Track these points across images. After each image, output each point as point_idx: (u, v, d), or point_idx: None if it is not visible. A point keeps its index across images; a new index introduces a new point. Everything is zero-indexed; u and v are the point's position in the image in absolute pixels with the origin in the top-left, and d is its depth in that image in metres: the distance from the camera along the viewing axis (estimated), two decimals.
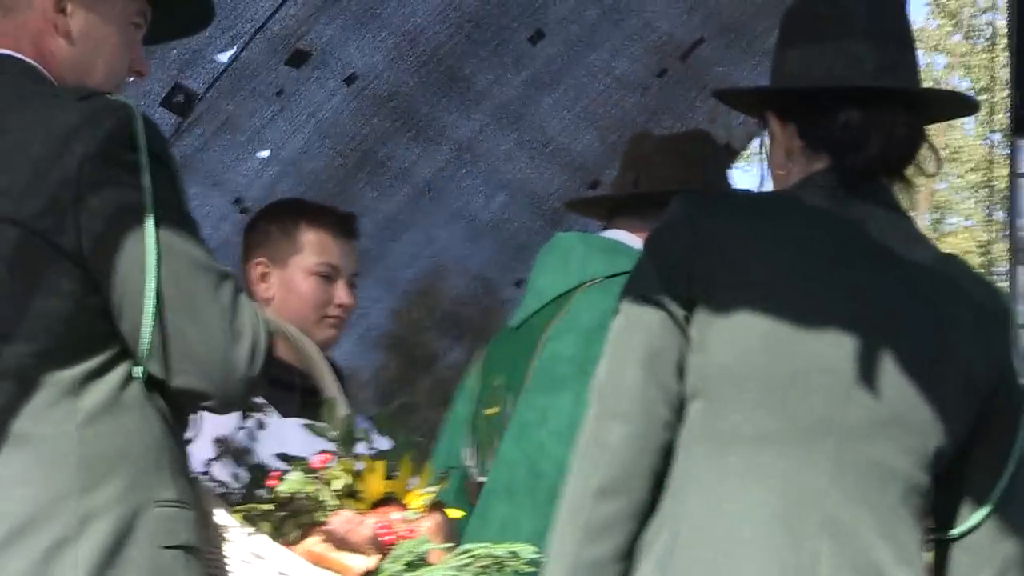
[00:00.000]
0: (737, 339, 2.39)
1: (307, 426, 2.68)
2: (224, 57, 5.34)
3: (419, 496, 2.62)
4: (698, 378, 2.38)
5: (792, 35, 2.52)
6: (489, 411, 3.41)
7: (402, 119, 6.07)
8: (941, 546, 2.46)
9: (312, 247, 3.37)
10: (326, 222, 3.40)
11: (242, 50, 5.33)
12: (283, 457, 2.63)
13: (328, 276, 3.35)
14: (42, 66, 2.43)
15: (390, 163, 6.19)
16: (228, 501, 2.59)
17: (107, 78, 2.52)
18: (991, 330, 2.44)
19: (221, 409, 2.47)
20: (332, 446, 2.62)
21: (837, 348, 2.36)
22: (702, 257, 2.42)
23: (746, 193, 2.75)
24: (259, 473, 2.64)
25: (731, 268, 2.43)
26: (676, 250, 2.44)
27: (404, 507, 2.61)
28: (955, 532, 2.44)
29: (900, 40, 2.50)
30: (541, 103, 6.62)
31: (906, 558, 2.34)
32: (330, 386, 2.77)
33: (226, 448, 2.68)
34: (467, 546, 2.57)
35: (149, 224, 2.31)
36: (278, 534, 2.56)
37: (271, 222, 3.46)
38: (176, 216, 2.37)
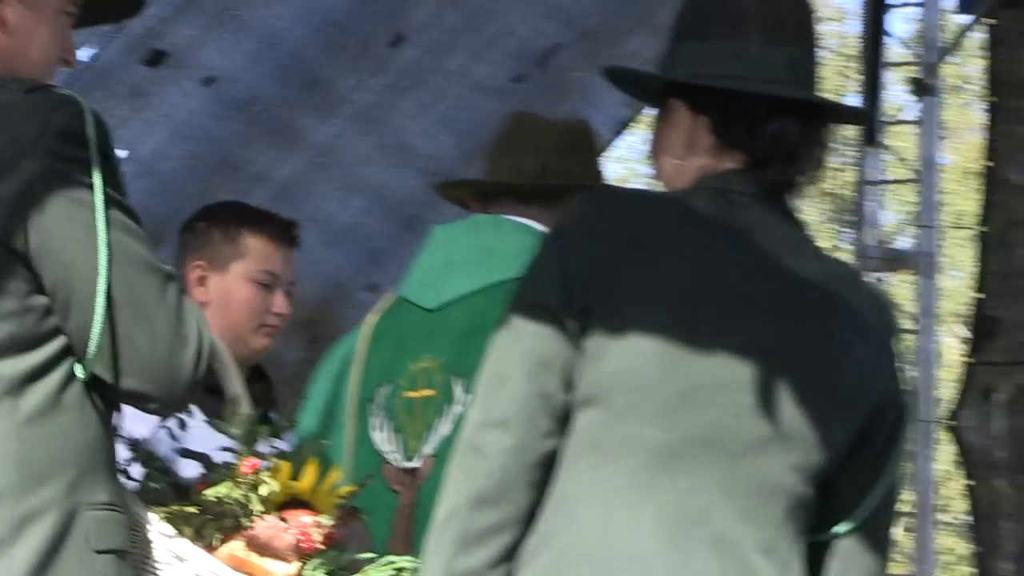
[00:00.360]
0: (634, 349, 2.41)
1: (209, 423, 2.73)
2: (82, 55, 5.30)
3: (329, 499, 2.68)
4: (591, 387, 2.41)
5: (705, 25, 2.55)
6: (415, 393, 3.37)
7: (260, 123, 6.12)
8: (812, 548, 2.53)
9: (254, 254, 3.41)
10: (269, 229, 3.44)
11: (100, 49, 5.31)
12: (185, 453, 2.70)
13: (268, 284, 3.40)
14: None
15: (247, 167, 6.23)
16: (146, 502, 2.66)
17: (39, 68, 2.54)
18: (878, 346, 2.53)
19: (162, 412, 2.55)
20: (233, 443, 2.70)
21: (732, 363, 2.42)
22: (602, 264, 2.44)
23: (648, 195, 2.73)
24: (169, 475, 2.73)
25: (631, 276, 2.45)
26: (575, 256, 2.45)
27: (312, 509, 2.67)
28: (827, 536, 2.53)
29: (814, 44, 2.58)
30: (400, 108, 6.72)
31: (791, 571, 2.44)
32: (234, 386, 2.87)
33: (140, 451, 2.75)
34: (390, 558, 2.63)
35: (100, 223, 2.35)
36: (198, 537, 2.61)
37: (212, 225, 3.49)
38: (124, 215, 2.41)
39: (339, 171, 6.73)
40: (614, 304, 2.42)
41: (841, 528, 2.50)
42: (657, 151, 2.61)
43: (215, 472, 2.65)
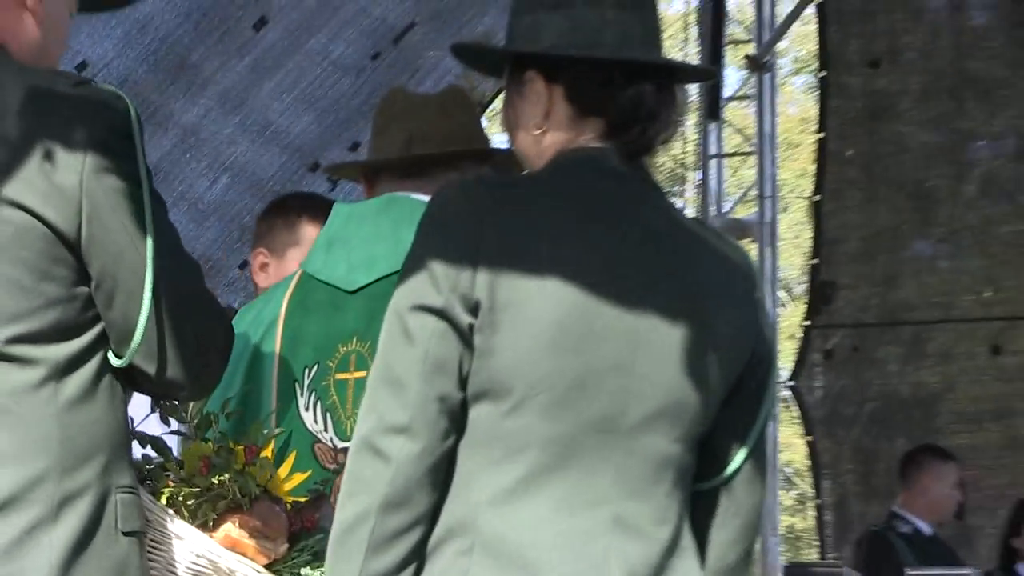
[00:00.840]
0: (525, 342, 2.36)
1: (163, 407, 2.73)
2: None
3: (288, 483, 2.77)
4: (484, 382, 2.37)
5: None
6: (346, 375, 3.27)
7: None
8: (697, 496, 2.56)
9: (310, 242, 3.35)
10: (327, 217, 3.35)
11: None
12: (140, 437, 2.70)
13: None
14: (7, 46, 2.47)
15: None
16: (141, 482, 2.68)
17: (57, 59, 2.55)
18: (749, 306, 2.53)
19: (190, 399, 2.61)
20: (185, 428, 2.73)
21: (621, 345, 2.40)
22: (488, 257, 2.36)
23: (519, 180, 2.64)
24: (168, 458, 2.74)
25: (518, 266, 2.38)
26: (460, 250, 2.38)
27: (271, 494, 2.73)
28: (710, 484, 2.55)
29: (655, 8, 2.58)
30: (263, 88, 6.78)
31: (680, 542, 2.47)
32: None
33: (140, 435, 2.74)
34: None
35: (148, 216, 2.39)
36: (194, 518, 2.64)
37: (277, 214, 3.49)
38: (162, 209, 2.44)
39: (206, 150, 6.74)
40: (502, 298, 2.36)
41: (726, 473, 2.53)
42: (513, 126, 2.55)
43: (217, 458, 2.68)
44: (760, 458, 2.57)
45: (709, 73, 2.99)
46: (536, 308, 2.36)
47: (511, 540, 2.36)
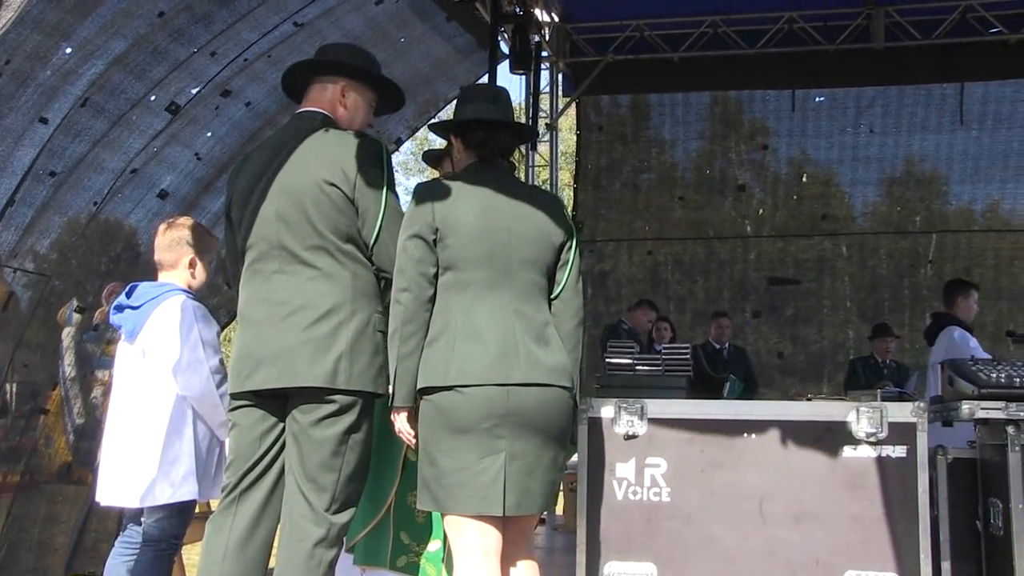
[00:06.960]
0: (461, 240, 3.63)
1: None
2: None
3: None
4: (445, 260, 3.62)
5: (464, 101, 3.89)
6: None
7: None
8: (551, 301, 3.82)
9: None
10: None
11: None
12: None
13: None
14: (334, 117, 3.94)
15: None
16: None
17: (359, 126, 3.97)
18: (560, 217, 3.81)
19: (388, 275, 3.77)
20: None
21: (503, 236, 3.66)
22: (437, 210, 3.64)
23: (448, 177, 3.88)
24: None
25: (451, 211, 3.64)
26: (426, 209, 3.63)
27: None
28: (555, 295, 3.82)
29: (508, 104, 3.91)
30: None
31: (547, 320, 3.74)
32: None
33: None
34: None
35: (383, 194, 3.73)
36: None
37: None
38: (393, 193, 3.71)
39: None
40: (446, 224, 3.64)
41: (560, 289, 3.82)
42: (455, 156, 3.93)
43: None
44: (573, 284, 3.82)
45: (532, 131, 4.18)
46: (462, 227, 3.68)
47: (471, 327, 3.60)
